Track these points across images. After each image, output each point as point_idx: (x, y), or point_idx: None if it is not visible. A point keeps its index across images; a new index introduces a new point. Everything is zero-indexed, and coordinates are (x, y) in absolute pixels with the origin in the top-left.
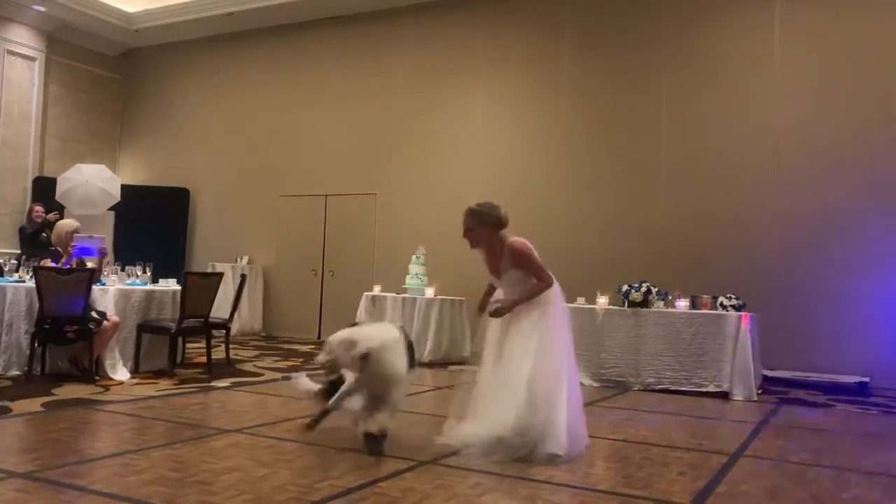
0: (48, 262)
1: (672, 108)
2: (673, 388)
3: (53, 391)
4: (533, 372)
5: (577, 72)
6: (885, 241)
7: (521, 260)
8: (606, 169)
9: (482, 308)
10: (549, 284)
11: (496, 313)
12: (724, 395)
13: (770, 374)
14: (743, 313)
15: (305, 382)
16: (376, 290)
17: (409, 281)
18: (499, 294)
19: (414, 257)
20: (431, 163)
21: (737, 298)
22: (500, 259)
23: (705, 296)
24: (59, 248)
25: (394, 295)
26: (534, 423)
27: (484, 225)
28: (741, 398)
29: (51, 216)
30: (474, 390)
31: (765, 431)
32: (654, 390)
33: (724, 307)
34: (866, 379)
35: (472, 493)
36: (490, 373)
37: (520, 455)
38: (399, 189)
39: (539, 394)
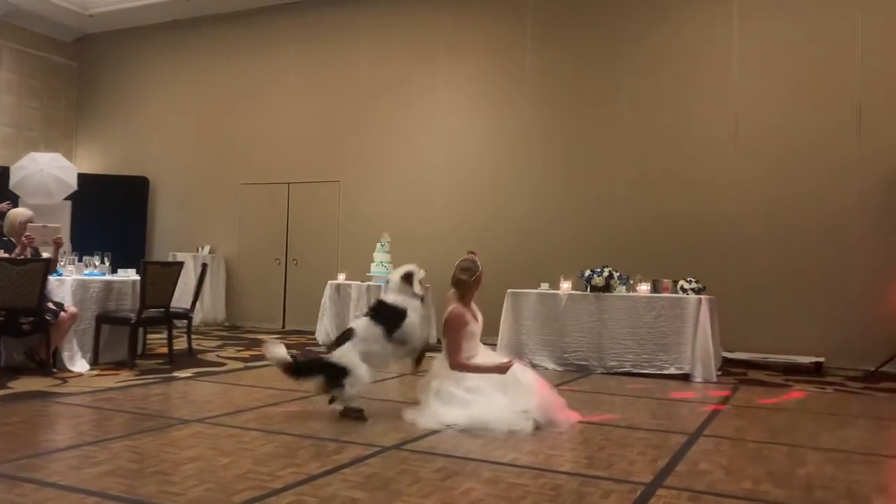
0: (1, 253)
1: (633, 94)
2: (635, 370)
3: (9, 384)
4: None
5: (538, 60)
6: (839, 224)
7: None
8: (568, 155)
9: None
10: None
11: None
12: (685, 377)
13: (729, 355)
14: (702, 296)
15: (278, 351)
16: (341, 278)
17: (374, 269)
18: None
19: (378, 245)
20: (394, 150)
21: (696, 282)
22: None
23: (666, 280)
24: (12, 239)
25: (358, 283)
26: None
27: None
28: (701, 380)
29: (3, 206)
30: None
31: (724, 412)
32: (616, 373)
33: (684, 290)
34: (822, 359)
35: (435, 477)
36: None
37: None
38: (362, 176)
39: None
